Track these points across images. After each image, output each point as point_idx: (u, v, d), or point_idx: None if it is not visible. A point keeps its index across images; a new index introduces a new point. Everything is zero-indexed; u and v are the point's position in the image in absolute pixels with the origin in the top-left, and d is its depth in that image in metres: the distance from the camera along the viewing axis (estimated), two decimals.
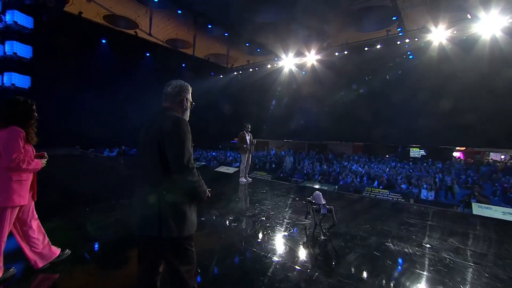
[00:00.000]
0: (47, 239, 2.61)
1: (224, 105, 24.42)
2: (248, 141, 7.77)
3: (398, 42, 16.42)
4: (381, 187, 9.32)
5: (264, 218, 4.59)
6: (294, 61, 21.07)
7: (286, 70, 22.09)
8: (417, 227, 4.34)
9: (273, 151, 19.84)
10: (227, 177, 8.86)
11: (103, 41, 18.70)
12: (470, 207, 5.28)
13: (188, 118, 1.84)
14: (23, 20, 14.18)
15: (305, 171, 11.61)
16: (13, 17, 13.94)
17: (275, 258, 3.04)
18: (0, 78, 13.87)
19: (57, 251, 2.66)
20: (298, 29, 19.53)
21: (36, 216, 2.58)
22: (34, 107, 2.43)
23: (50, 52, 15.44)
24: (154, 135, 1.62)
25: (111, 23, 20.34)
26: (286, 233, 3.87)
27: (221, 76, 25.17)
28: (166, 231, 1.55)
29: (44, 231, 2.63)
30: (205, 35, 22.34)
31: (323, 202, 3.90)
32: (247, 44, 19.93)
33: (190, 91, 1.90)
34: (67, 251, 2.76)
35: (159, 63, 21.15)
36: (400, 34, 15.85)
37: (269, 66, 21.96)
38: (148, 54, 21.18)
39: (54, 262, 2.63)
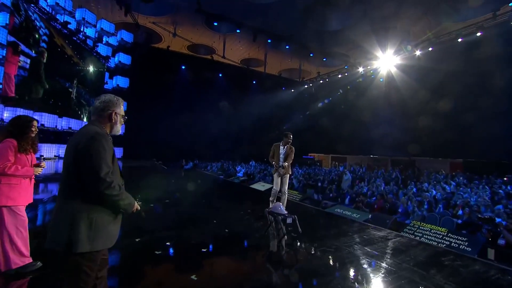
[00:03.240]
0: (23, 247, 2.55)
1: (294, 119, 23.37)
2: (280, 158, 5.02)
3: None
4: (459, 221, 6.34)
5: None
6: (370, 67, 18.24)
7: (361, 78, 19.37)
8: None
9: (342, 168, 17.25)
10: (249, 194, 7.84)
11: (183, 67, 21.00)
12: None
13: (119, 132, 1.81)
14: (125, 59, 17.47)
15: (359, 192, 9.27)
16: (119, 58, 17.35)
17: None
18: None
19: (27, 260, 2.57)
20: (370, 32, 16.94)
21: (21, 221, 2.57)
22: (33, 123, 2.67)
23: (142, 81, 18.38)
24: (71, 149, 1.58)
25: (194, 51, 22.89)
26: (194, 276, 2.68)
27: (292, 90, 24.31)
28: (75, 245, 1.44)
29: (24, 239, 2.60)
30: (276, 51, 22.25)
31: (285, 212, 3.84)
32: (311, 55, 18.55)
33: (121, 104, 1.83)
34: (38, 263, 2.62)
35: (231, 82, 22.20)
36: None
37: (339, 76, 19.76)
38: (220, 75, 22.54)
39: (23, 272, 2.52)
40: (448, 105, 16.17)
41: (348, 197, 9.11)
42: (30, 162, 2.65)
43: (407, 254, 3.57)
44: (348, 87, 20.60)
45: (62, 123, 14.01)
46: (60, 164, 11.59)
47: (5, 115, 12.05)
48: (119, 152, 16.95)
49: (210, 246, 3.61)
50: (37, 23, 12.01)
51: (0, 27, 10.95)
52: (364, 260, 3.31)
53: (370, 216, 5.61)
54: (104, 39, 16.54)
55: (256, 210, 5.66)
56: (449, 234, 4.41)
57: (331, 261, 3.27)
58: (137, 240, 3.73)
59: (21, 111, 12.39)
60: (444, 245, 4.21)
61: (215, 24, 15.85)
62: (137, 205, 1.71)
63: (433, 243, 4.29)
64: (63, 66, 13.83)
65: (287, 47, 17.50)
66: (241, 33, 18.41)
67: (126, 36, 16.90)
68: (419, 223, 4.93)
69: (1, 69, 10.81)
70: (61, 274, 1.50)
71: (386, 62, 16.69)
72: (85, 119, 15.79)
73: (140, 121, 18.15)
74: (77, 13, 14.22)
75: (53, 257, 1.60)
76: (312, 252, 3.51)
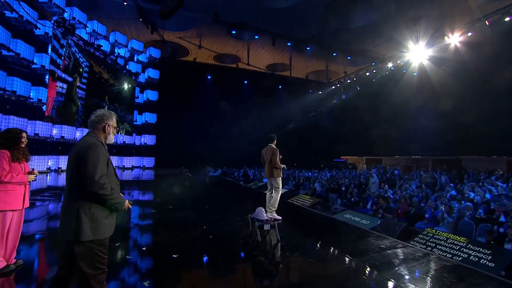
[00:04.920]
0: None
1: (322, 121, 22.43)
2: None
3: None
4: (501, 230, 5.31)
5: None
6: (400, 61, 16.80)
7: (391, 73, 17.92)
8: None
9: (374, 170, 15.90)
10: (258, 199, 7.52)
11: (208, 77, 21.62)
12: None
13: (112, 141, 2.07)
14: (153, 73, 18.61)
15: (376, 196, 8.38)
16: (148, 73, 18.55)
17: None
18: (140, 118, 18.59)
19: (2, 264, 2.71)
20: (400, 24, 15.62)
21: (12, 225, 2.76)
22: (22, 135, 2.89)
23: (171, 93, 19.33)
24: (72, 156, 1.84)
25: (220, 61, 23.50)
26: None
27: (320, 92, 23.46)
28: (80, 235, 1.73)
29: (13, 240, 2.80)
30: (301, 54, 21.77)
31: (266, 218, 3.61)
32: (334, 54, 17.72)
33: (114, 118, 2.07)
34: (13, 267, 2.76)
35: (256, 88, 22.21)
36: None
37: (368, 73, 18.52)
38: (246, 82, 22.68)
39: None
40: (500, 96, 14.06)
41: (371, 201, 8.29)
42: (23, 170, 2.85)
43: (402, 268, 3.00)
44: (374, 79, 19.15)
45: None
46: None
47: (53, 131, 13.63)
48: (150, 161, 17.98)
49: (184, 252, 3.46)
50: (81, 59, 14.38)
51: (47, 55, 12.55)
52: (343, 275, 2.86)
53: (378, 222, 4.95)
54: (135, 57, 17.84)
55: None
56: (469, 245, 3.64)
57: (302, 274, 2.88)
58: (117, 244, 3.76)
59: (66, 128, 13.92)
60: (460, 258, 3.49)
61: (233, 32, 15.98)
62: (127, 204, 1.97)
63: (447, 255, 3.58)
64: (101, 89, 15.70)
65: (308, 48, 16.95)
66: (263, 39, 18.38)
67: (154, 52, 18.03)
68: (434, 231, 4.18)
69: (45, 91, 12.28)
70: (80, 259, 1.74)
71: (418, 54, 15.18)
72: (121, 132, 17.17)
73: (170, 131, 19.05)
74: (110, 36, 15.61)
75: (69, 247, 1.77)
76: (286, 263, 3.15)
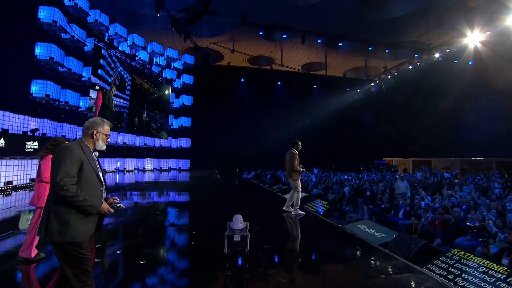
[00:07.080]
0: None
1: (362, 120, 20.68)
2: None
3: None
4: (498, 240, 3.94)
5: None
6: (451, 49, 14.54)
7: (441, 63, 15.65)
8: None
9: (419, 173, 13.92)
10: (272, 203, 7.00)
11: (242, 80, 21.65)
12: None
13: (103, 148, 2.07)
14: (188, 79, 19.33)
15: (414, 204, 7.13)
16: (183, 79, 19.32)
17: None
18: (176, 122, 19.44)
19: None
20: (451, 7, 13.50)
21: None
22: (66, 143, 3.33)
23: (205, 97, 19.81)
24: None
25: (254, 64, 23.40)
26: None
27: (358, 90, 21.75)
28: (49, 235, 1.75)
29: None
30: (337, 52, 20.51)
31: (241, 227, 3.21)
32: (370, 49, 16.13)
33: (106, 126, 2.08)
34: (42, 254, 3.09)
35: (290, 89, 21.54)
36: None
37: (411, 67, 16.49)
38: (279, 83, 22.17)
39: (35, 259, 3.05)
40: None
41: (402, 209, 7.10)
42: None
43: None
44: (419, 72, 16.87)
45: (140, 141, 16.41)
46: (138, 175, 13.43)
47: None
48: (186, 163, 18.62)
49: (155, 260, 3.20)
50: (125, 75, 15.93)
51: (89, 68, 13.88)
52: None
53: (394, 236, 4.05)
54: (171, 65, 18.76)
55: (256, 221, 4.92)
56: (510, 279, 2.65)
57: None
58: (96, 246, 3.68)
59: (111, 133, 15.22)
60: None
61: (261, 33, 15.67)
62: (106, 207, 1.90)
63: None
64: (142, 98, 17.17)
65: (340, 44, 15.78)
66: (296, 38, 17.72)
67: (188, 59, 18.72)
68: (461, 253, 3.20)
69: (86, 98, 13.54)
70: (59, 259, 1.78)
71: (473, 40, 12.91)
72: (161, 137, 18.22)
73: (204, 134, 19.50)
74: (148, 47, 16.66)
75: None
76: (252, 282, 2.64)
